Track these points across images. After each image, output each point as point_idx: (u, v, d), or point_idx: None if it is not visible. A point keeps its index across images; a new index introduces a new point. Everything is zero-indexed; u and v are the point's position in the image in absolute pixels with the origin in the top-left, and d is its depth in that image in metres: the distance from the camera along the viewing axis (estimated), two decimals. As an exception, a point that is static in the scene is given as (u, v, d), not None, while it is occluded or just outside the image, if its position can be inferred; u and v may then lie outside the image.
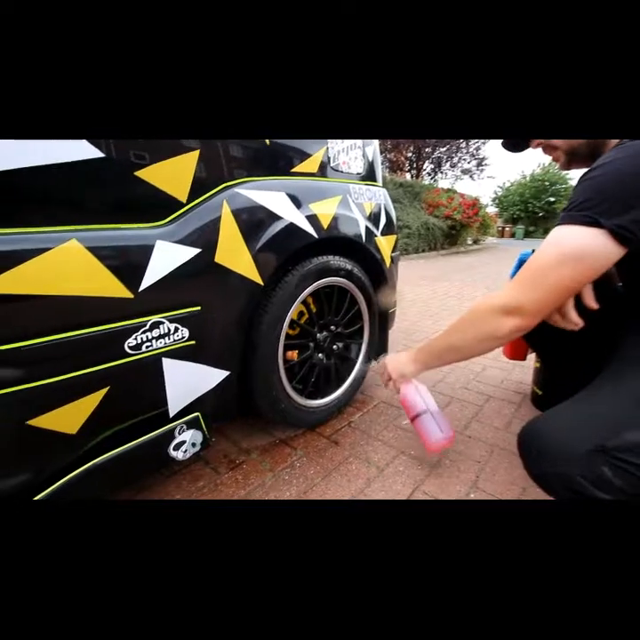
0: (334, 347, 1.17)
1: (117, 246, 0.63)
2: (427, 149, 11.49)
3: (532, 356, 1.32)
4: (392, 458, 1.01)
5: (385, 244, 1.27)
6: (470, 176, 12.58)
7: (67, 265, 0.58)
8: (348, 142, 1.10)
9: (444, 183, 12.64)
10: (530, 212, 22.02)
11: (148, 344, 0.69)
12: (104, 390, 0.65)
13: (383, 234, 1.26)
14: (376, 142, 1.26)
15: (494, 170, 21.27)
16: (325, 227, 0.99)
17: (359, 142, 1.15)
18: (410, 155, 12.00)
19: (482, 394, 1.40)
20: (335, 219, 1.02)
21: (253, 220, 0.83)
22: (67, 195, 0.59)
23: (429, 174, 12.86)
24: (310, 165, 0.98)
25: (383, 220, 1.27)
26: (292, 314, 0.98)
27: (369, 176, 1.22)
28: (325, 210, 1.00)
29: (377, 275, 1.27)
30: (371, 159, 1.22)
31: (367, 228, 1.16)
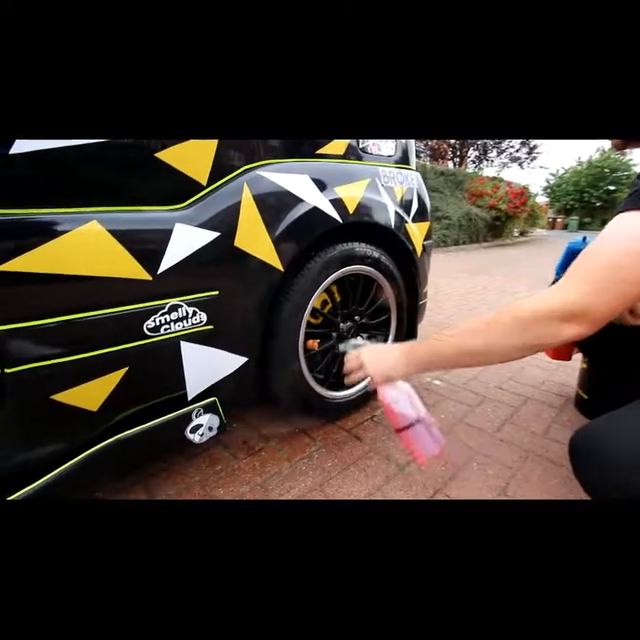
0: (359, 338, 1.13)
1: (137, 229, 0.64)
2: (472, 136, 10.84)
3: (577, 356, 1.20)
4: (414, 456, 0.96)
5: (416, 232, 1.20)
6: (519, 164, 11.75)
7: (87, 246, 0.59)
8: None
9: (489, 171, 11.91)
10: (585, 202, 20.20)
11: (167, 326, 0.69)
12: (123, 370, 0.66)
13: (415, 220, 1.20)
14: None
15: (547, 159, 19.57)
16: (351, 211, 0.95)
17: (391, 122, 1.08)
18: (452, 142, 11.43)
19: (519, 395, 1.30)
20: (362, 203, 0.97)
21: (274, 204, 0.80)
22: (87, 176, 0.60)
23: (474, 162, 12.17)
24: (336, 147, 0.94)
25: (415, 206, 1.20)
26: (314, 302, 0.96)
27: (401, 159, 1.15)
28: (351, 193, 0.95)
29: (407, 264, 1.21)
30: (403, 141, 1.15)
31: (397, 213, 1.09)
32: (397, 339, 1.25)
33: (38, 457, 0.62)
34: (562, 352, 1.20)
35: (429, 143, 11.69)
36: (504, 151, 11.59)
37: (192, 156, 0.69)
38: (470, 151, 11.72)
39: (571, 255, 1.03)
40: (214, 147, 0.71)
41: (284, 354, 0.92)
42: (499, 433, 1.07)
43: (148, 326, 0.67)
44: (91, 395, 0.64)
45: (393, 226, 1.08)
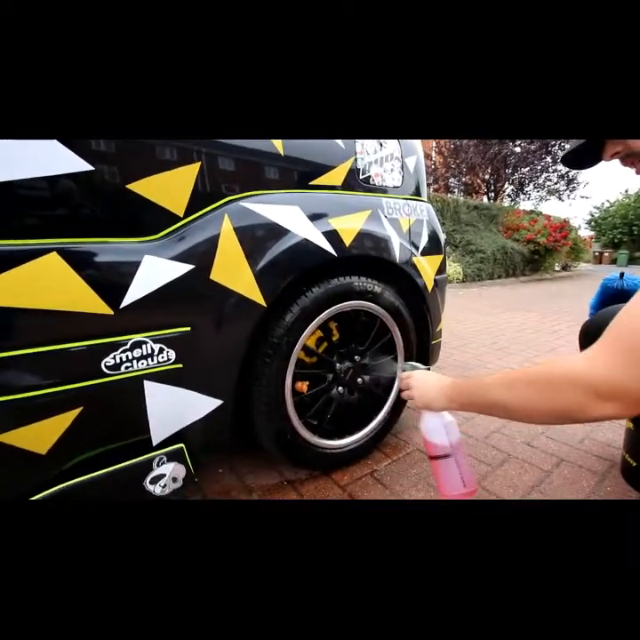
0: (359, 380, 1.03)
1: (100, 260, 0.61)
2: (507, 171, 10.74)
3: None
4: (415, 526, 0.81)
5: (426, 266, 1.10)
6: (558, 196, 11.36)
7: (44, 278, 0.56)
8: (382, 153, 0.99)
9: (526, 205, 11.62)
10: (635, 236, 19.04)
11: (128, 364, 0.64)
12: (77, 410, 0.61)
13: (425, 254, 1.11)
14: (420, 152, 1.13)
15: (589, 189, 18.94)
16: (348, 244, 0.88)
17: (397, 153, 1.03)
18: (487, 177, 11.35)
19: (551, 455, 1.11)
20: (360, 235, 0.91)
21: (258, 236, 0.76)
22: (52, 207, 0.58)
23: (510, 196, 11.95)
24: (333, 178, 0.89)
25: (425, 239, 1.11)
26: (305, 340, 0.88)
27: (409, 189, 1.08)
28: (348, 225, 0.89)
29: (416, 300, 1.11)
30: (411, 171, 1.09)
31: (402, 246, 1.01)
32: (405, 382, 1.12)
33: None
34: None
35: (463, 179, 11.70)
36: (542, 185, 11.31)
37: (169, 188, 0.66)
38: (506, 185, 11.55)
39: (605, 293, 0.89)
40: (193, 178, 0.69)
41: (269, 396, 0.84)
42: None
43: (107, 364, 0.62)
44: (39, 436, 0.59)
45: (397, 259, 1.00)
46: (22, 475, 0.60)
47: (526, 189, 11.50)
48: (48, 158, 0.56)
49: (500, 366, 1.97)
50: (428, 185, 12.18)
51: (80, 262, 0.58)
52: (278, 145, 0.78)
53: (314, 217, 0.84)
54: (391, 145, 1.02)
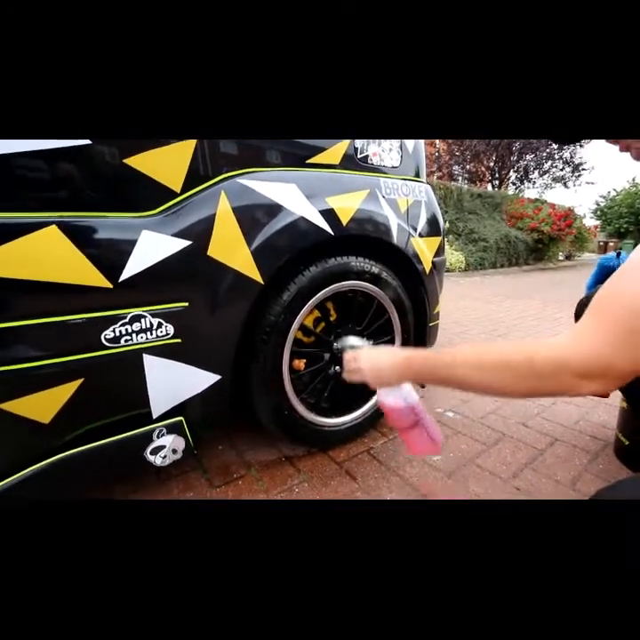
0: (356, 360, 1.04)
1: (99, 235, 0.61)
2: (511, 158, 10.55)
3: (617, 392, 1.02)
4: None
5: (424, 247, 1.10)
6: (564, 183, 11.16)
7: (44, 250, 0.57)
8: (380, 132, 0.98)
9: (531, 193, 11.44)
10: (641, 225, 18.73)
11: (128, 338, 0.65)
12: (78, 382, 0.62)
13: (423, 235, 1.11)
14: (419, 133, 1.12)
15: (595, 175, 18.55)
16: (345, 223, 0.88)
17: (396, 132, 1.03)
18: (491, 164, 11.16)
19: (546, 435, 1.12)
20: (357, 214, 0.91)
21: (255, 213, 0.76)
22: (52, 182, 0.59)
23: (514, 184, 11.77)
24: (331, 157, 0.89)
25: (423, 220, 1.11)
26: (302, 319, 0.89)
27: (407, 170, 1.08)
28: (346, 204, 0.89)
29: (414, 282, 1.11)
30: (410, 151, 1.08)
31: (400, 226, 1.01)
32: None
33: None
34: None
35: (467, 166, 11.51)
36: (546, 172, 11.11)
37: (166, 163, 0.67)
38: (510, 173, 11.36)
39: (602, 272, 0.89)
40: (190, 154, 0.69)
41: (266, 373, 0.85)
42: (515, 479, 0.91)
43: (107, 337, 0.63)
44: (42, 405, 0.61)
45: (395, 240, 1.00)
46: (28, 442, 0.62)
47: (531, 177, 11.31)
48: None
49: (498, 352, 1.98)
50: (432, 172, 11.98)
51: (79, 236, 0.59)
52: (275, 122, 0.78)
53: (311, 195, 0.84)
54: (390, 124, 1.01)
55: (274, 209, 0.78)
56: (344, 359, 0.68)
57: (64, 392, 0.62)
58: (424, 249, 1.10)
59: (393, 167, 1.03)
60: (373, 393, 1.10)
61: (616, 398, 1.07)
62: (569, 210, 8.26)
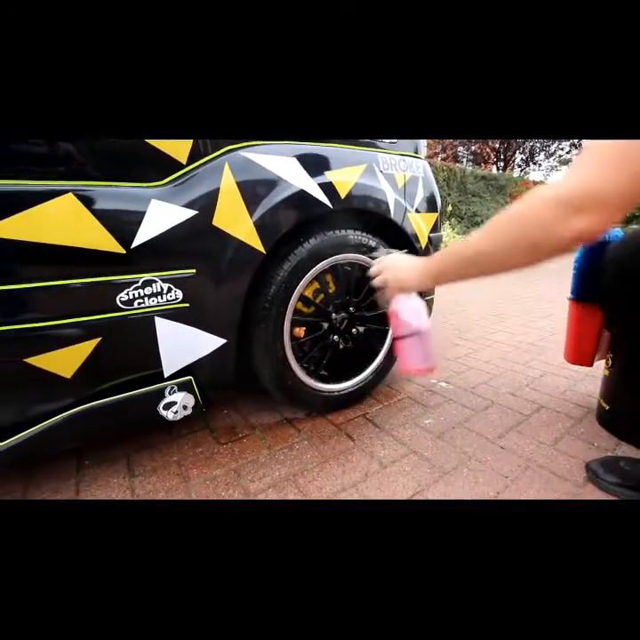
0: (353, 330, 1.09)
1: (112, 203, 0.66)
2: (517, 139, 10.33)
3: (600, 364, 1.07)
4: (400, 456, 0.90)
5: (420, 222, 1.14)
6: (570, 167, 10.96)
7: (62, 216, 0.61)
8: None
9: (536, 175, 11.23)
10: (650, 209, 18.41)
11: (141, 301, 0.71)
12: (96, 340, 0.68)
13: (420, 210, 1.14)
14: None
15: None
16: (343, 196, 0.92)
17: (394, 108, 1.05)
18: (496, 145, 10.93)
19: (533, 402, 1.19)
20: (355, 188, 0.94)
21: (257, 185, 0.80)
22: (67, 153, 0.63)
23: (520, 166, 11.55)
24: (330, 131, 0.91)
25: (420, 195, 1.14)
26: (302, 289, 0.94)
27: (405, 145, 1.10)
28: (344, 178, 0.92)
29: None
30: (409, 127, 1.10)
31: (397, 201, 1.05)
32: (398, 334, 1.19)
33: (11, 418, 0.65)
34: (582, 355, 1.08)
35: (471, 148, 11.28)
36: (553, 154, 10.89)
37: (172, 135, 0.70)
38: (516, 154, 11.15)
39: (594, 252, 0.92)
40: (195, 126, 0.72)
41: (268, 339, 0.91)
42: (501, 440, 0.98)
43: (121, 299, 0.69)
44: (64, 361, 0.67)
45: (392, 214, 1.04)
46: (52, 394, 0.68)
47: (537, 159, 11.10)
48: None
49: (495, 330, 2.03)
50: (436, 153, 11.77)
51: (94, 204, 0.64)
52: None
53: (310, 168, 0.87)
54: (388, 99, 1.03)
55: (275, 181, 0.82)
56: (372, 267, 0.78)
57: (84, 350, 0.68)
58: (420, 224, 1.14)
59: (391, 142, 1.06)
60: (369, 363, 1.16)
61: (601, 370, 1.12)
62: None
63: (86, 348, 0.68)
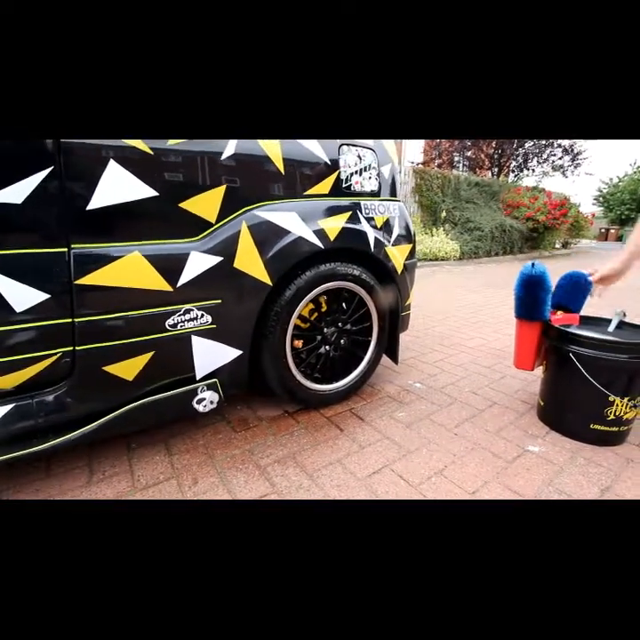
0: (341, 341, 1.36)
1: (164, 255, 0.92)
2: (512, 145, 10.62)
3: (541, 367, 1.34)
4: (376, 440, 1.17)
5: (397, 253, 1.40)
6: (562, 173, 11.27)
7: (130, 267, 0.88)
8: (361, 165, 1.27)
9: (529, 181, 11.51)
10: (645, 212, 18.65)
11: (182, 324, 0.97)
12: (151, 353, 0.94)
13: (396, 244, 1.40)
14: (395, 159, 1.40)
15: (592, 166, 18.38)
16: (332, 239, 1.18)
17: (374, 163, 1.31)
18: (491, 152, 11.22)
19: (488, 400, 1.45)
20: (342, 231, 1.21)
21: (266, 235, 1.06)
22: (133, 221, 0.89)
23: (513, 171, 11.85)
24: (322, 188, 1.18)
25: (396, 231, 1.41)
26: (301, 310, 1.20)
27: (384, 192, 1.37)
28: (333, 224, 1.19)
29: (388, 281, 1.42)
30: (386, 177, 1.37)
31: (376, 239, 1.31)
32: (379, 344, 1.45)
33: (93, 406, 0.91)
34: (525, 361, 1.34)
35: (466, 154, 11.57)
36: (546, 160, 11.18)
37: (206, 203, 0.97)
38: (510, 160, 11.44)
39: (525, 283, 1.18)
40: (222, 196, 0.98)
41: (274, 350, 1.17)
42: (456, 428, 1.24)
43: (169, 323, 0.95)
44: (128, 369, 0.93)
45: (371, 249, 1.30)
46: (118, 392, 0.95)
47: (530, 164, 11.39)
48: (126, 188, 0.86)
49: (471, 337, 2.29)
50: (432, 159, 12.06)
51: (152, 257, 0.90)
52: (279, 165, 1.07)
53: (306, 219, 1.13)
54: (369, 157, 1.29)
55: (280, 231, 1.08)
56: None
57: (142, 360, 0.94)
58: (397, 255, 1.40)
59: (371, 191, 1.32)
60: (355, 367, 1.42)
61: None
62: (564, 199, 8.42)
63: (144, 359, 0.94)
